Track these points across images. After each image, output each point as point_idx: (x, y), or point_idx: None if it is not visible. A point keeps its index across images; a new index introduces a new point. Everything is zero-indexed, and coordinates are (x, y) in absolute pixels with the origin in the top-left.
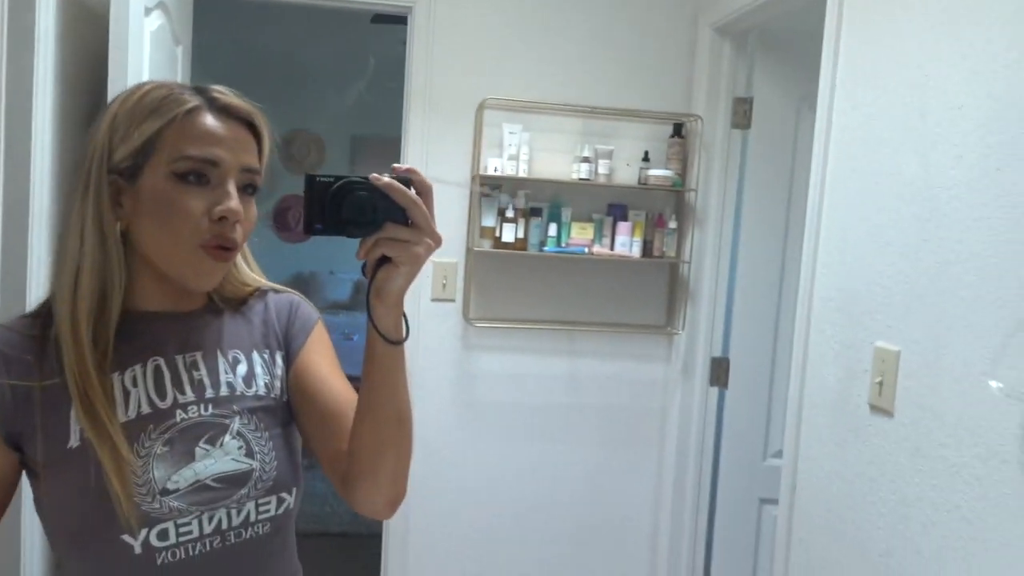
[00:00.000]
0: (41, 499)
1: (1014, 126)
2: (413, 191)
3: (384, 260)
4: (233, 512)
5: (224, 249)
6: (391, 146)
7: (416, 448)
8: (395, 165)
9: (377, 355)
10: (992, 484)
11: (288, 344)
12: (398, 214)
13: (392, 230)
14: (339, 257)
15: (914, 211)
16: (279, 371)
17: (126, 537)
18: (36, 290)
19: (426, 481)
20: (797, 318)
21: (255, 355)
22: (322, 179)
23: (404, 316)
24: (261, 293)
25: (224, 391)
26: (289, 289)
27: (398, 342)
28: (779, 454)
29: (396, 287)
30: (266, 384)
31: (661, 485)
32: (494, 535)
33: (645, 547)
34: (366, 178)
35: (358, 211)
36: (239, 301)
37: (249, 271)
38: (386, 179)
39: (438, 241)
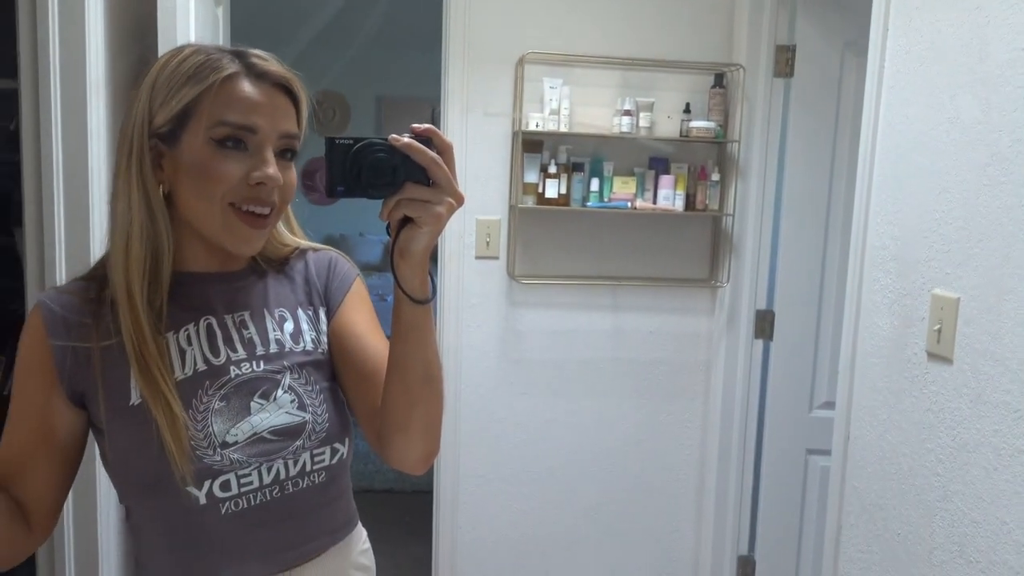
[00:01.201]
0: (107, 455)
1: None
2: (434, 151)
3: (407, 220)
4: (290, 463)
5: (258, 216)
6: (417, 106)
7: (463, 405)
8: (414, 125)
9: (404, 314)
10: None
11: (328, 300)
12: (419, 174)
13: (413, 190)
14: (369, 219)
15: (973, 156)
16: (323, 327)
17: (191, 489)
18: (99, 247)
19: (473, 437)
20: (850, 267)
21: (300, 312)
22: (342, 141)
23: (430, 275)
24: (301, 252)
25: (274, 348)
26: (328, 247)
27: (424, 301)
28: (825, 405)
29: (419, 247)
30: (312, 340)
31: (707, 438)
32: (542, 489)
33: (691, 499)
34: (385, 139)
35: (378, 172)
36: (280, 261)
37: (288, 232)
38: (405, 139)
39: (460, 200)
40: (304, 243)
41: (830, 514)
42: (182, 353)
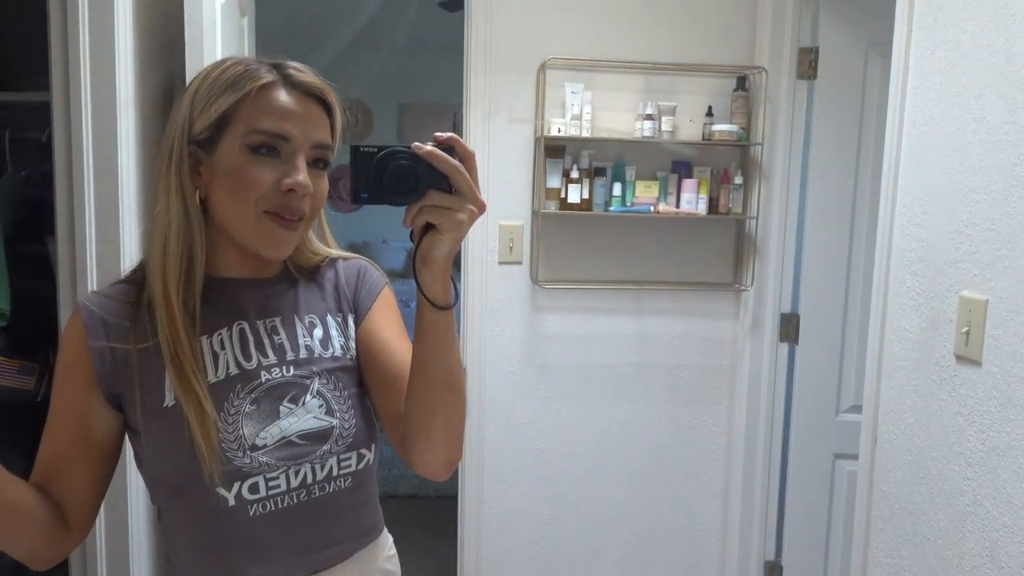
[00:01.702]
0: (141, 456)
1: None
2: (456, 159)
3: (429, 227)
4: (317, 467)
5: (289, 220)
6: (439, 113)
7: (487, 410)
8: (436, 134)
9: (426, 320)
10: None
11: (357, 307)
12: (441, 181)
13: (435, 197)
14: (392, 226)
15: (1000, 157)
16: (352, 333)
17: (220, 490)
18: (129, 254)
19: (498, 442)
20: (876, 270)
21: (329, 319)
22: (366, 149)
23: (452, 281)
24: (331, 261)
25: (303, 354)
26: (358, 256)
27: (446, 306)
28: (853, 409)
29: (441, 253)
30: (341, 346)
31: (732, 442)
32: (566, 494)
33: (717, 504)
34: (408, 147)
35: (401, 180)
36: (311, 269)
37: (319, 241)
38: (428, 147)
39: (481, 207)
40: (335, 252)
41: (858, 518)
42: (215, 357)
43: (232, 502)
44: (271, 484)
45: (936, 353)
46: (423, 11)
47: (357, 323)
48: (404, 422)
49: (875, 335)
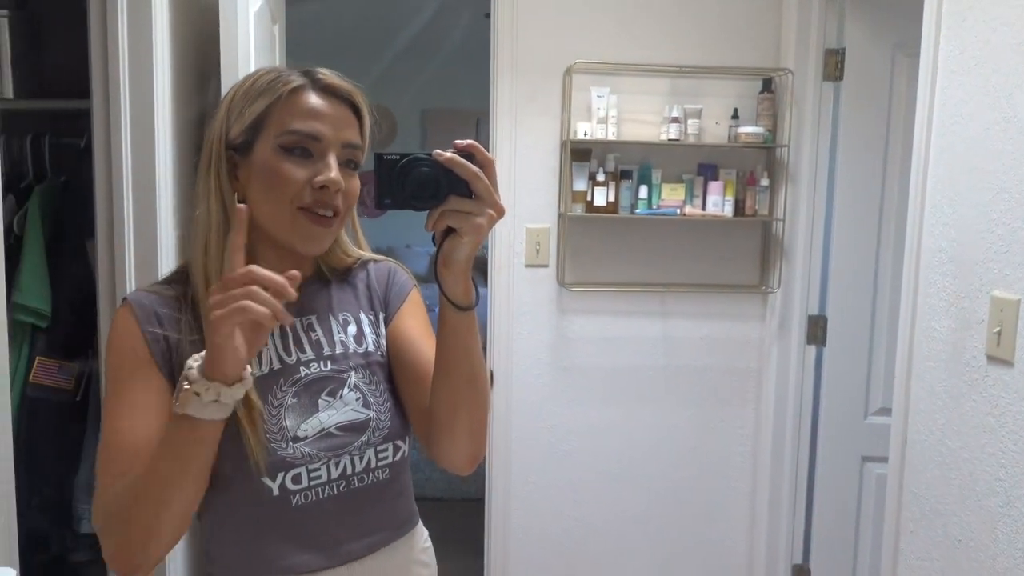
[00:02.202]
0: None
1: None
2: (475, 165)
3: (450, 231)
4: (356, 459)
5: (323, 216)
6: (461, 118)
7: (514, 412)
8: (456, 141)
9: (448, 321)
10: None
11: (387, 307)
12: (461, 187)
13: (456, 202)
14: (415, 231)
15: None
16: (383, 331)
17: (266, 479)
18: (167, 258)
19: (525, 444)
20: (905, 271)
21: (362, 316)
22: (389, 157)
23: (473, 282)
24: (363, 263)
25: (339, 349)
26: (388, 258)
27: (467, 307)
28: (881, 411)
29: (462, 256)
30: (374, 342)
31: (759, 445)
32: (593, 496)
33: (744, 507)
34: (430, 154)
35: (423, 186)
36: (344, 271)
37: (351, 243)
38: (448, 154)
39: (500, 211)
40: (367, 255)
41: (888, 520)
42: (259, 352)
43: (276, 492)
44: (313, 475)
45: (967, 354)
46: (448, 18)
47: (387, 322)
48: (429, 419)
49: (905, 336)
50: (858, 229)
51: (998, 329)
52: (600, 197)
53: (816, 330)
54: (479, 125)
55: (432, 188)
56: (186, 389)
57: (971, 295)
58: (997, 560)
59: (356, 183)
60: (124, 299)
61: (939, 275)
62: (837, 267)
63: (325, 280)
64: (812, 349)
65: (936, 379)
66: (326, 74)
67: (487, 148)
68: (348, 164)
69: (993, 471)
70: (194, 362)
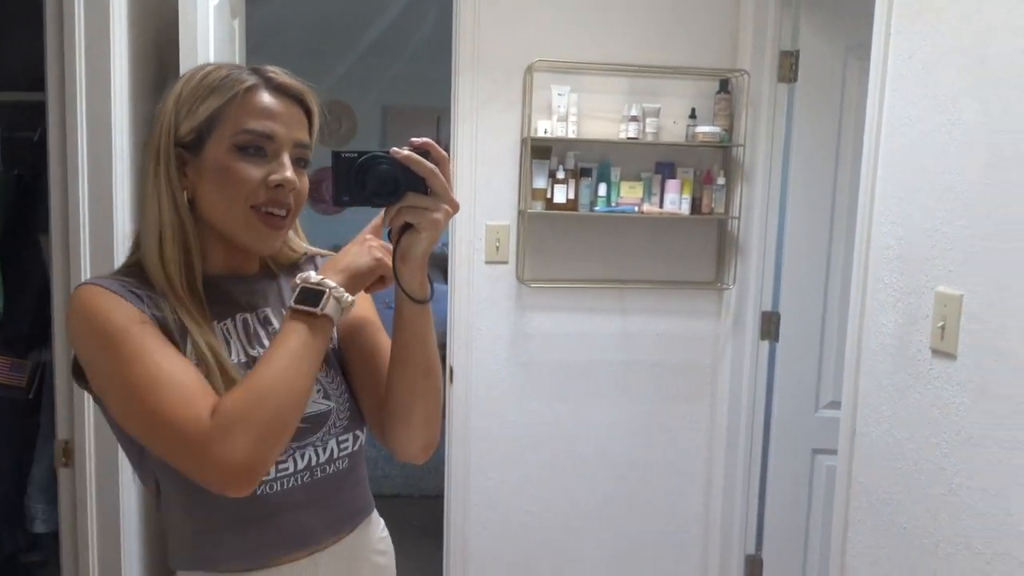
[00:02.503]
0: None
1: None
2: (431, 162)
3: (407, 226)
4: (320, 449)
5: (276, 216)
6: (422, 115)
7: (473, 408)
8: (413, 139)
9: (405, 314)
10: None
11: None
12: (418, 184)
13: (413, 199)
14: None
15: (975, 156)
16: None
17: None
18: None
19: (484, 439)
20: (854, 267)
21: None
22: (347, 155)
23: (428, 277)
24: (310, 257)
25: None
26: (334, 253)
27: (423, 300)
28: (831, 405)
29: (419, 250)
30: None
31: (714, 439)
32: (551, 491)
33: (699, 499)
34: (387, 152)
35: (381, 183)
36: (290, 265)
37: (298, 240)
38: (405, 152)
39: (455, 207)
40: (313, 249)
41: (837, 510)
42: (227, 344)
43: None
44: (280, 467)
45: (913, 347)
46: (407, 14)
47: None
48: (384, 409)
49: (854, 331)
50: (810, 228)
51: (942, 324)
52: (560, 194)
53: (769, 326)
54: (440, 122)
55: (390, 185)
56: (327, 293)
57: (917, 291)
58: (939, 547)
59: (306, 181)
60: (84, 284)
61: (887, 272)
62: (790, 264)
63: (272, 275)
64: (765, 345)
65: (883, 372)
66: (278, 73)
67: (448, 145)
68: (299, 163)
69: (937, 461)
70: (313, 277)
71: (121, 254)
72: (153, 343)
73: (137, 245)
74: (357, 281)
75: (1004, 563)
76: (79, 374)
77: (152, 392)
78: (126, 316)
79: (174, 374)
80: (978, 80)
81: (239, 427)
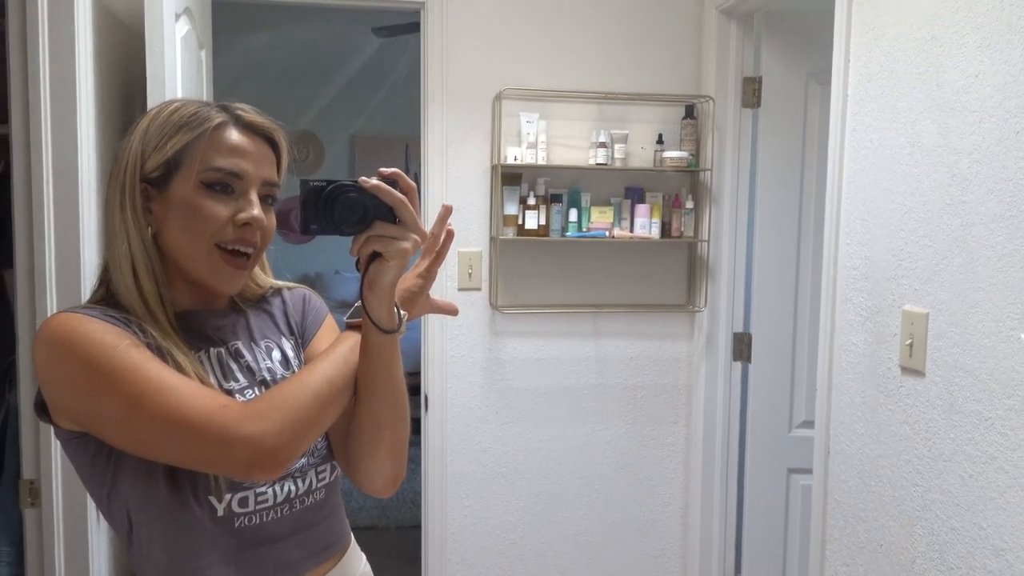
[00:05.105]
0: (125, 468)
1: None
2: (399, 192)
3: (375, 255)
4: (299, 481)
5: (242, 256)
6: (390, 145)
7: (449, 435)
8: (381, 169)
9: (372, 344)
10: None
11: (304, 332)
12: (386, 213)
13: (381, 227)
14: (344, 257)
15: (935, 177)
16: (303, 356)
17: (212, 499)
18: (90, 288)
19: (460, 466)
20: (823, 288)
21: (284, 341)
22: (316, 184)
23: (396, 306)
24: (276, 290)
25: (267, 375)
26: (300, 285)
27: (391, 330)
28: (805, 424)
29: (387, 280)
30: (298, 367)
31: (690, 460)
32: (530, 516)
33: (677, 521)
34: (355, 181)
35: (349, 211)
36: (256, 299)
37: (263, 274)
38: (373, 181)
39: (423, 236)
40: (278, 283)
41: (814, 528)
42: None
43: (220, 512)
44: (259, 499)
45: (882, 366)
46: (375, 44)
47: (304, 347)
48: (350, 441)
49: (824, 351)
50: (778, 249)
51: (910, 341)
52: (531, 220)
53: (741, 347)
54: (408, 151)
55: (359, 214)
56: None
57: (884, 310)
58: (916, 562)
59: (272, 219)
60: (56, 314)
61: (854, 291)
62: (760, 286)
63: (239, 310)
64: (738, 365)
65: (855, 391)
66: (247, 111)
67: (417, 174)
68: (266, 200)
69: (910, 476)
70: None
71: (88, 289)
72: (147, 355)
73: (102, 279)
74: (418, 306)
75: None
76: (42, 409)
77: (162, 393)
78: (114, 335)
79: (179, 378)
80: (935, 103)
81: (276, 412)
